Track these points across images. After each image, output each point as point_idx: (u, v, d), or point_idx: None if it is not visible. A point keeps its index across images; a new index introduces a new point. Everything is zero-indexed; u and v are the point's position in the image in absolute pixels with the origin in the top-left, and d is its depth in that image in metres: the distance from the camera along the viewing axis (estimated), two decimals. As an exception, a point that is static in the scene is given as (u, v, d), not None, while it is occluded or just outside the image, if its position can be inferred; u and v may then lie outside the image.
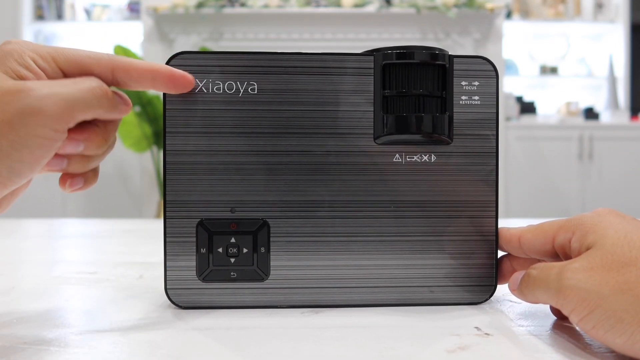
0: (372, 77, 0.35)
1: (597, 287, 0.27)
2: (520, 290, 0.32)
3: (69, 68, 0.30)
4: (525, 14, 3.30)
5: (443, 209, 0.36)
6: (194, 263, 0.35)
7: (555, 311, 0.34)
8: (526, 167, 2.98)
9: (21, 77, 0.29)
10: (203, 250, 0.35)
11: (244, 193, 0.35)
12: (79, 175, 0.33)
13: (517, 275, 0.33)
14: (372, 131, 0.36)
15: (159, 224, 0.57)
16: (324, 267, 0.36)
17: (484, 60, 0.36)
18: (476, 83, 0.36)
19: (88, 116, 0.30)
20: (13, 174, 0.27)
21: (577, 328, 0.31)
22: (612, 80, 3.28)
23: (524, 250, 0.35)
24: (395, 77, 0.35)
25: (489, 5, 2.91)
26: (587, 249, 0.29)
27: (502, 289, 0.41)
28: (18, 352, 0.27)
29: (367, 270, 0.36)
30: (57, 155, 0.31)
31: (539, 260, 0.35)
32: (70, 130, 0.30)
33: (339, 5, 2.98)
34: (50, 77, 0.30)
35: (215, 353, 0.27)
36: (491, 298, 0.37)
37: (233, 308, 0.35)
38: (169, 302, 0.36)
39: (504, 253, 0.37)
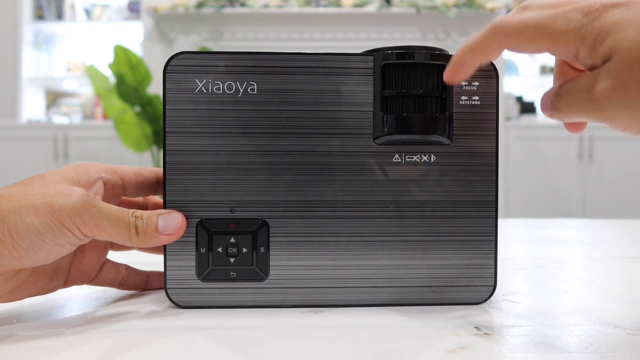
0: (372, 77, 0.35)
1: (638, 102, 0.25)
2: (556, 116, 0.30)
3: None
4: (526, 13, 3.29)
5: (443, 209, 0.36)
6: (193, 263, 0.35)
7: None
8: (526, 167, 2.98)
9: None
10: (203, 250, 0.35)
11: (244, 193, 0.35)
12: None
13: (546, 98, 0.31)
14: (372, 131, 0.36)
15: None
16: (323, 267, 0.36)
17: (484, 60, 0.36)
18: (476, 83, 0.36)
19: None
20: (32, 250, 0.30)
21: None
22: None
23: None
24: (395, 77, 0.35)
25: (489, 5, 2.92)
26: (604, 61, 0.26)
27: (502, 289, 0.41)
28: (18, 352, 0.27)
29: (367, 270, 0.36)
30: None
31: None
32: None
33: (339, 5, 2.98)
34: None
35: (215, 353, 0.27)
36: (491, 298, 0.37)
37: (233, 308, 0.35)
38: (168, 301, 0.36)
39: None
